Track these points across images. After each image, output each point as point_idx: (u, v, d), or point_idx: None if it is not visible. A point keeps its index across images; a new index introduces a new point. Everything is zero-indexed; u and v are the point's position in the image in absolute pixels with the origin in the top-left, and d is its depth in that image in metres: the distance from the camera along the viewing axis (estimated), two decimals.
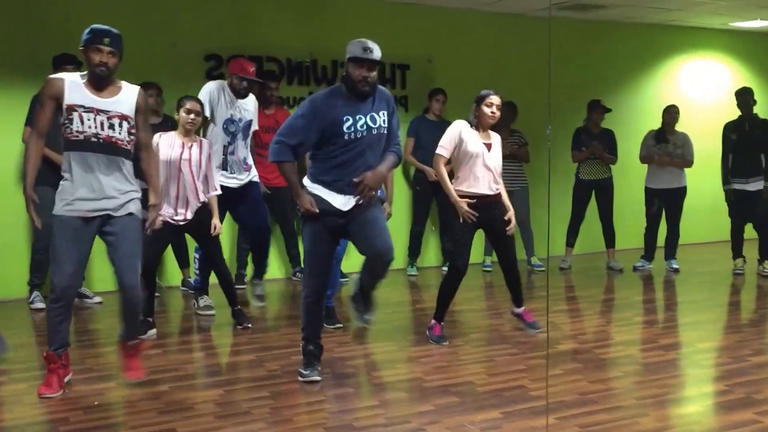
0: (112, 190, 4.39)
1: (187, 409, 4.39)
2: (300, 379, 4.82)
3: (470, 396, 4.56)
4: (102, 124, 4.31)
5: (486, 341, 5.79)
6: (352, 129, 4.58)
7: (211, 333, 6.15)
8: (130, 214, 4.47)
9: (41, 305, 6.58)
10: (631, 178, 8.95)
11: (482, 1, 8.43)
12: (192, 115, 5.75)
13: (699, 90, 10.41)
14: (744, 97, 8.16)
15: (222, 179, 6.18)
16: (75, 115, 4.28)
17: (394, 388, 4.76)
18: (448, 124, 6.00)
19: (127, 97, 4.42)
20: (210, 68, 7.75)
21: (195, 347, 5.83)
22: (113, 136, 4.35)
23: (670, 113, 8.35)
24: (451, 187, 5.58)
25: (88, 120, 4.30)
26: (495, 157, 5.65)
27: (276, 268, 8.14)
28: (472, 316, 6.65)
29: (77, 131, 4.29)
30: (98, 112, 4.31)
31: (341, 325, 6.10)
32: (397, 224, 8.11)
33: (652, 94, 10.05)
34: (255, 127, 6.61)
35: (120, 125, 4.36)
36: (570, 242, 8.64)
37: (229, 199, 6.23)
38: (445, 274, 5.80)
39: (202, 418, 4.26)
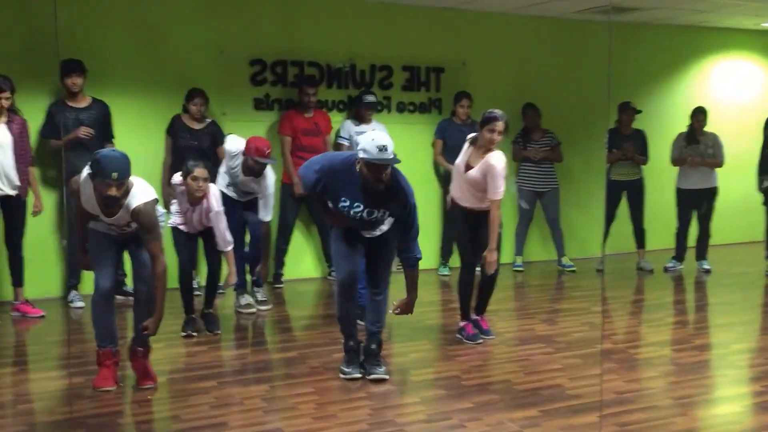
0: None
1: (236, 404, 4.54)
2: (341, 376, 4.96)
3: (508, 394, 4.67)
4: (120, 227, 4.60)
5: (520, 340, 5.88)
6: (346, 208, 4.76)
7: (251, 331, 6.29)
8: None
9: (80, 304, 6.79)
10: (661, 178, 8.98)
11: (516, 4, 8.50)
12: (200, 182, 5.69)
13: (731, 91, 10.40)
14: None
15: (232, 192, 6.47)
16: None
17: (433, 385, 4.88)
18: (475, 125, 6.11)
19: (124, 216, 4.50)
20: (254, 73, 7.91)
21: (238, 344, 5.98)
22: (126, 231, 4.65)
23: (698, 117, 8.40)
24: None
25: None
26: (473, 176, 5.57)
27: (313, 267, 8.30)
28: (505, 315, 6.75)
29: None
30: (110, 225, 4.59)
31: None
32: (429, 225, 8.22)
33: (684, 95, 10.06)
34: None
35: (129, 226, 4.58)
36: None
37: (239, 205, 6.50)
38: (459, 272, 5.94)
39: (251, 412, 4.41)
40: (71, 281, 7.02)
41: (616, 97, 8.82)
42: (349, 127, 7.92)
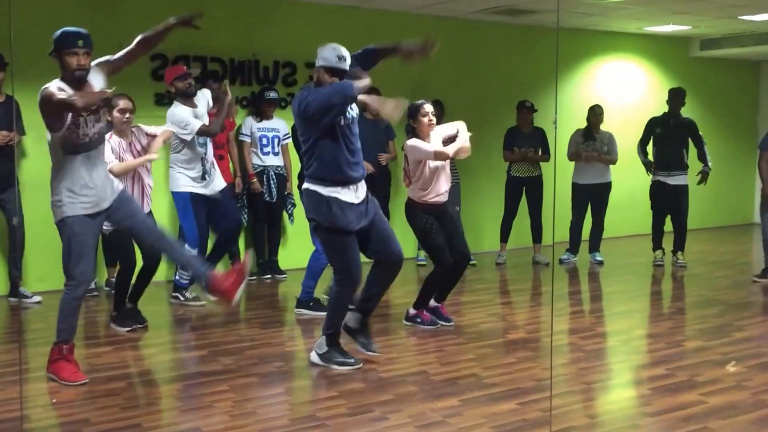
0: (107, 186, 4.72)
1: (149, 405, 4.41)
2: (345, 368, 4.96)
3: (427, 385, 4.71)
4: (91, 120, 4.57)
5: (431, 332, 5.93)
6: (350, 116, 4.84)
7: (154, 331, 6.09)
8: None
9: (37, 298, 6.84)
10: (558, 174, 9.25)
11: (416, 3, 8.59)
12: (127, 114, 5.82)
13: (615, 91, 10.83)
14: (677, 97, 8.59)
15: (200, 189, 6.53)
16: (80, 121, 4.51)
17: (351, 379, 4.86)
18: (383, 121, 6.13)
19: (97, 82, 4.60)
20: (155, 68, 7.76)
21: (144, 344, 5.78)
22: (100, 128, 4.67)
23: (595, 113, 8.70)
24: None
25: (88, 121, 4.56)
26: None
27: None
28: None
29: (83, 135, 4.55)
30: (88, 114, 4.51)
31: None
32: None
33: (574, 94, 10.42)
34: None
35: (97, 115, 4.60)
36: (504, 237, 8.87)
37: (206, 205, 6.59)
38: (435, 270, 5.97)
39: (166, 413, 4.30)
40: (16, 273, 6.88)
41: (514, 96, 9.03)
42: (251, 124, 7.82)
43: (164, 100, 7.73)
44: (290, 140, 7.93)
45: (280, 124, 7.90)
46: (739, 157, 12.06)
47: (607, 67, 10.88)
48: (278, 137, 7.84)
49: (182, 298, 6.85)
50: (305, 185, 4.89)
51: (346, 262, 4.87)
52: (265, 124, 7.74)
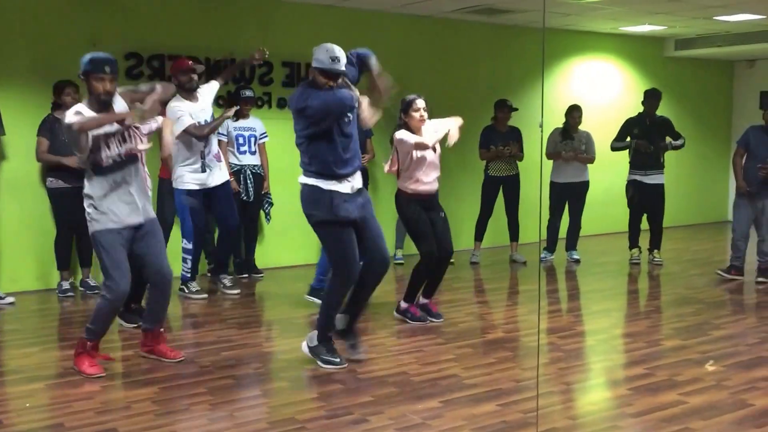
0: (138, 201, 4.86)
1: (124, 408, 4.34)
2: (330, 368, 4.94)
3: (407, 386, 4.67)
4: (120, 140, 4.70)
5: (410, 332, 5.91)
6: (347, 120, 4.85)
7: (131, 333, 5.99)
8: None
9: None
10: (535, 173, 9.26)
11: (393, 3, 8.56)
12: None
13: (590, 90, 10.86)
14: (654, 98, 8.62)
15: (197, 185, 6.65)
16: (102, 143, 4.65)
17: (330, 380, 4.82)
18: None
19: (118, 108, 4.75)
20: (130, 66, 7.69)
21: (122, 346, 5.70)
22: (131, 148, 4.76)
23: (574, 113, 8.72)
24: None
25: (114, 143, 4.69)
26: (438, 152, 6.05)
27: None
28: (391, 308, 6.69)
29: (107, 157, 4.68)
30: (116, 133, 4.68)
31: None
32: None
33: (550, 93, 10.44)
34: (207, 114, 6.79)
35: (129, 134, 4.74)
36: (479, 236, 8.86)
37: (207, 200, 6.73)
38: (420, 262, 6.05)
39: (141, 416, 4.22)
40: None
41: (491, 95, 9.01)
42: (227, 123, 7.73)
43: None
44: (267, 139, 7.88)
45: (257, 123, 7.84)
46: (714, 156, 12.17)
47: (583, 66, 10.91)
48: (255, 136, 7.77)
49: (186, 291, 6.98)
50: (303, 180, 4.89)
51: (345, 257, 4.86)
52: (242, 123, 7.67)
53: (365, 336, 5.75)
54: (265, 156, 7.83)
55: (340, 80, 4.80)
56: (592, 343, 5.76)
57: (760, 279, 7.76)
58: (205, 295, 6.95)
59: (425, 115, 5.93)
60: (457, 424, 4.06)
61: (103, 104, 4.67)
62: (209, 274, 7.89)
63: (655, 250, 8.77)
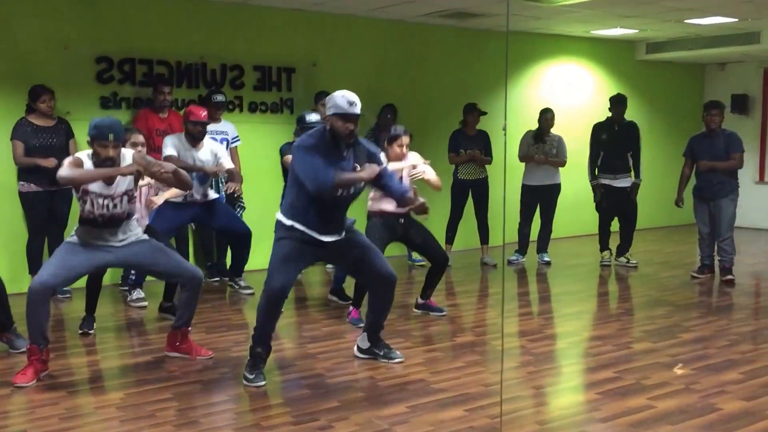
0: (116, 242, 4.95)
1: (89, 414, 4.30)
2: (245, 383, 4.73)
3: (374, 391, 4.66)
4: (107, 206, 4.80)
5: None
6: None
7: (100, 336, 5.93)
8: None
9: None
10: (501, 176, 9.25)
11: (364, 7, 8.56)
12: (138, 148, 5.81)
13: (561, 94, 10.90)
14: (619, 103, 8.69)
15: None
16: (88, 198, 4.78)
17: (297, 385, 4.80)
18: None
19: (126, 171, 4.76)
20: (101, 71, 7.65)
21: (88, 350, 5.64)
22: (115, 213, 4.86)
23: (547, 116, 8.74)
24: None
25: (98, 203, 4.79)
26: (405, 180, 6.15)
27: None
28: (362, 311, 6.66)
29: (88, 211, 4.82)
30: (105, 197, 4.79)
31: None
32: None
33: (521, 97, 10.47)
34: (227, 165, 6.75)
35: (121, 201, 4.86)
36: (449, 239, 8.84)
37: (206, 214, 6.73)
38: None
39: (106, 422, 4.18)
40: None
41: (461, 99, 8.99)
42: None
43: (109, 103, 7.61)
44: (239, 143, 7.83)
45: (229, 127, 7.79)
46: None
47: (553, 70, 10.94)
48: (227, 140, 7.72)
49: (129, 297, 6.94)
50: (279, 216, 4.81)
51: (277, 271, 4.70)
52: (214, 127, 7.60)
53: (334, 339, 5.73)
54: (237, 159, 7.76)
55: (356, 126, 4.72)
56: (561, 347, 5.76)
57: (727, 277, 7.85)
58: (145, 304, 6.78)
59: (406, 152, 6.21)
60: (424, 429, 4.04)
61: (106, 166, 4.74)
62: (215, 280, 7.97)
63: (627, 253, 8.81)
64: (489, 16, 9.12)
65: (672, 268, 8.77)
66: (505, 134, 8.05)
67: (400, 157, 6.16)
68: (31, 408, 4.37)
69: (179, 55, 8.01)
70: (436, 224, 9.13)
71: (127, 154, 4.85)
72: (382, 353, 5.22)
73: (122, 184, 4.84)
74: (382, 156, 5.09)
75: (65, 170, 4.65)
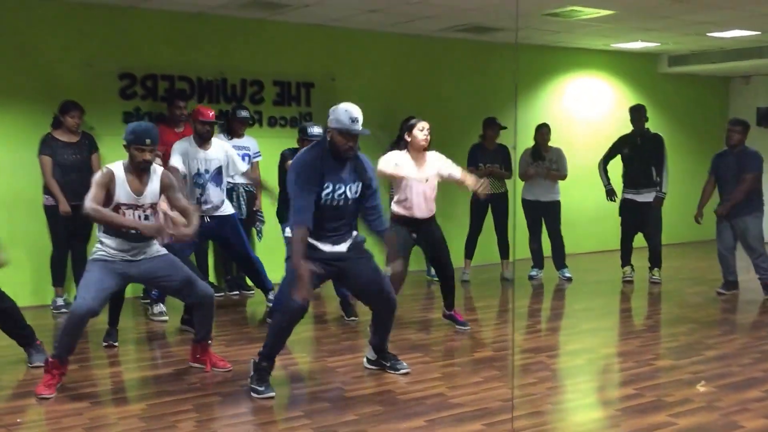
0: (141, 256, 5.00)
1: (112, 425, 4.35)
2: (255, 396, 4.73)
3: (393, 405, 4.66)
4: (139, 217, 4.88)
5: (397, 350, 5.82)
6: (330, 195, 4.71)
7: (121, 348, 5.98)
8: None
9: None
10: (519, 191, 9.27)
11: (382, 22, 8.61)
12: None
13: (582, 107, 10.89)
14: (638, 113, 8.60)
15: None
16: (120, 211, 4.85)
17: (316, 398, 4.82)
18: None
19: (155, 185, 4.94)
20: (124, 87, 7.77)
21: (111, 362, 5.70)
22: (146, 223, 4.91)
23: (541, 132, 8.75)
24: None
25: (128, 215, 4.87)
26: (432, 185, 6.14)
27: None
28: None
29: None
30: (136, 207, 4.88)
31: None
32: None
33: (541, 110, 10.46)
34: (242, 168, 6.78)
35: (151, 214, 4.95)
36: (469, 254, 8.83)
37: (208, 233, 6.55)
38: None
39: None
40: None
41: (479, 112, 9.01)
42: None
43: (132, 118, 7.72)
44: (260, 158, 7.88)
45: (250, 142, 7.86)
46: (707, 173, 12.08)
47: (574, 83, 10.93)
48: (248, 155, 7.76)
49: (150, 311, 6.99)
50: (287, 233, 4.92)
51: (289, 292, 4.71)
52: (236, 142, 7.65)
53: (353, 353, 5.74)
54: (258, 175, 7.80)
55: (357, 143, 4.75)
56: (581, 363, 5.72)
57: None
58: (166, 318, 6.83)
59: (428, 137, 6.10)
60: None
61: (141, 171, 4.89)
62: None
63: (655, 269, 8.73)
64: (506, 30, 9.15)
65: (696, 284, 8.70)
66: (515, 150, 8.07)
67: (423, 143, 6.05)
68: (56, 418, 4.42)
69: (200, 71, 8.11)
70: (455, 239, 9.17)
71: (158, 169, 4.97)
72: (389, 364, 5.25)
73: (149, 195, 4.91)
74: (375, 181, 4.98)
75: (90, 204, 4.72)
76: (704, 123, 12.19)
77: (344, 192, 4.76)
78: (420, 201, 6.05)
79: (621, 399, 4.77)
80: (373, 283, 4.95)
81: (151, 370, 5.47)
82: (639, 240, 8.80)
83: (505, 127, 8.68)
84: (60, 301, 7.19)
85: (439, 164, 6.18)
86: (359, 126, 4.68)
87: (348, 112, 4.66)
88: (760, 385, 5.04)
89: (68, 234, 7.11)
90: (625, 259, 8.81)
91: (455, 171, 6.22)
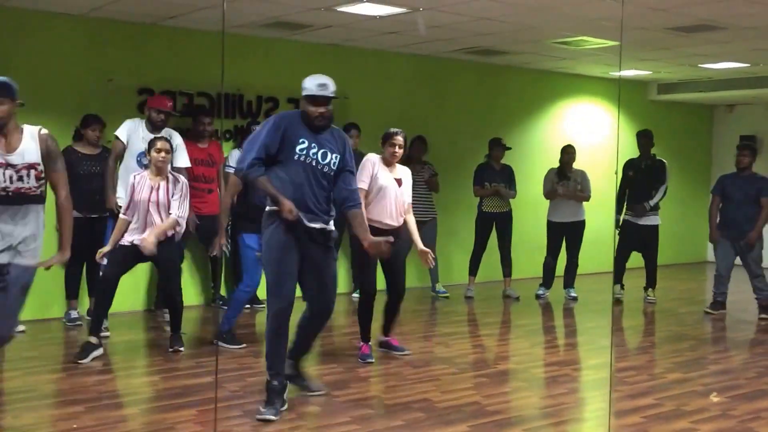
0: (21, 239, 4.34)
1: (168, 429, 4.48)
2: (257, 417, 4.63)
3: (433, 412, 4.88)
4: (11, 177, 4.26)
5: (423, 362, 6.11)
6: (304, 151, 4.69)
7: (158, 358, 6.16)
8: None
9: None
10: (527, 211, 9.59)
11: (394, 43, 8.90)
12: (162, 154, 6.06)
13: (581, 131, 11.22)
14: (645, 138, 8.96)
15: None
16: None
17: (360, 405, 5.00)
18: (362, 155, 6.34)
19: (30, 144, 4.35)
20: (142, 102, 7.88)
21: (148, 371, 5.88)
22: (21, 187, 4.31)
23: (568, 152, 9.02)
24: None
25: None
26: (405, 191, 6.12)
27: (195, 294, 8.26)
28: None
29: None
30: (7, 166, 4.26)
31: None
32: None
33: (542, 134, 10.85)
34: (184, 164, 6.92)
35: (28, 175, 4.32)
36: (473, 271, 9.12)
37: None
38: (358, 299, 6.24)
39: None
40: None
41: (486, 133, 9.35)
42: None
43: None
44: None
45: None
46: (693, 198, 12.52)
47: (574, 109, 11.31)
48: None
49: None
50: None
51: (277, 282, 4.74)
52: None
53: (382, 365, 5.96)
54: None
55: (330, 107, 4.76)
56: (602, 376, 5.96)
57: (762, 316, 8.09)
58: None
59: (399, 152, 6.06)
60: None
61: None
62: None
63: (650, 289, 9.05)
64: (514, 54, 9.49)
65: (687, 305, 9.07)
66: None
67: (394, 158, 6.04)
68: (110, 423, 4.56)
69: (217, 87, 8.28)
70: (460, 256, 9.50)
71: (33, 130, 4.41)
72: (304, 383, 5.13)
73: (27, 154, 4.33)
74: (352, 163, 4.95)
75: None
76: (690, 149, 12.63)
77: (322, 153, 4.73)
78: (392, 206, 6.02)
79: (644, 408, 5.04)
80: (322, 277, 4.86)
81: (191, 379, 5.57)
82: (631, 261, 9.16)
83: (509, 148, 9.02)
84: (74, 314, 7.20)
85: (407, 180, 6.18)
86: (328, 92, 4.71)
87: (315, 78, 4.73)
88: None
89: (84, 246, 7.06)
90: (617, 278, 9.10)
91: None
